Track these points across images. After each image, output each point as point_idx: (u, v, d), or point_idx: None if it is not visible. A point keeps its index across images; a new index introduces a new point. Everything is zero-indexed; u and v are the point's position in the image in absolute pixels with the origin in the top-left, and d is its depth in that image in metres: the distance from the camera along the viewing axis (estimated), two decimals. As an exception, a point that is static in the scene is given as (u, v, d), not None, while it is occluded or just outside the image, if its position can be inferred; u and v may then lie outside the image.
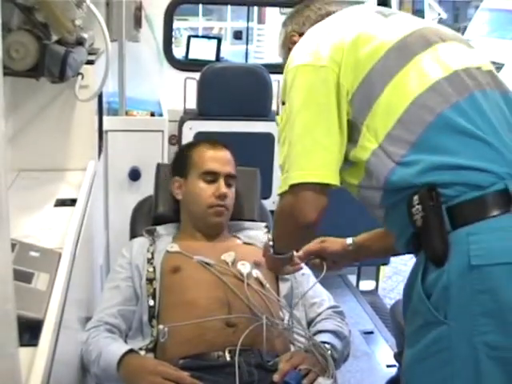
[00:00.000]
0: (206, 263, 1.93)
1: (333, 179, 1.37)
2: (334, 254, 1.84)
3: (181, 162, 2.17)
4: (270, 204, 3.12)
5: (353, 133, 1.38)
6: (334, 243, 1.84)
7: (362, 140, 1.36)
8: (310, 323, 1.96)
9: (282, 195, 1.44)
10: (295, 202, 1.39)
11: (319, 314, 1.95)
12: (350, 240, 1.82)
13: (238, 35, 7.34)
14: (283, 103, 1.48)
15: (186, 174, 2.12)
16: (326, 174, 1.36)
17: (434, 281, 1.25)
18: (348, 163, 1.40)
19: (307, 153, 1.37)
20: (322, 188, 1.37)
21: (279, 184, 1.44)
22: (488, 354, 1.20)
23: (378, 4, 3.49)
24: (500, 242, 1.22)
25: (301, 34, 1.61)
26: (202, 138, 3.01)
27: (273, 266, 1.82)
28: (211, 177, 2.06)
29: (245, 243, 2.11)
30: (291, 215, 1.41)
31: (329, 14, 1.62)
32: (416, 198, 1.27)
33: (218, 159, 2.10)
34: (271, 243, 1.71)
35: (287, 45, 1.70)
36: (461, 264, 1.21)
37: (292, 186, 1.38)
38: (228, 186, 2.08)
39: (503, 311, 1.19)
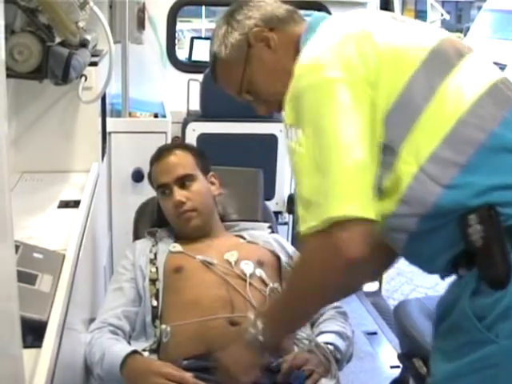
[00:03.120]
0: (209, 263, 1.93)
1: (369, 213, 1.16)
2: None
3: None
4: (274, 205, 3.13)
5: (385, 157, 1.22)
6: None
7: (397, 164, 1.21)
8: (313, 324, 1.95)
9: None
10: (335, 237, 1.15)
11: (322, 315, 1.95)
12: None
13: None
14: (291, 126, 1.25)
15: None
16: (364, 206, 1.16)
17: (491, 303, 1.18)
18: (378, 192, 1.21)
19: (346, 183, 1.17)
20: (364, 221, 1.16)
21: (305, 219, 1.19)
22: None
23: (381, 4, 3.47)
24: None
25: (271, 29, 1.43)
26: (205, 140, 3.03)
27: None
28: (166, 189, 2.05)
29: (248, 242, 2.10)
30: (333, 253, 1.17)
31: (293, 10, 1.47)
32: (473, 217, 1.18)
33: (164, 169, 2.06)
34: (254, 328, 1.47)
35: (249, 43, 1.44)
36: None
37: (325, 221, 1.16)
38: (183, 187, 2.04)
39: None
